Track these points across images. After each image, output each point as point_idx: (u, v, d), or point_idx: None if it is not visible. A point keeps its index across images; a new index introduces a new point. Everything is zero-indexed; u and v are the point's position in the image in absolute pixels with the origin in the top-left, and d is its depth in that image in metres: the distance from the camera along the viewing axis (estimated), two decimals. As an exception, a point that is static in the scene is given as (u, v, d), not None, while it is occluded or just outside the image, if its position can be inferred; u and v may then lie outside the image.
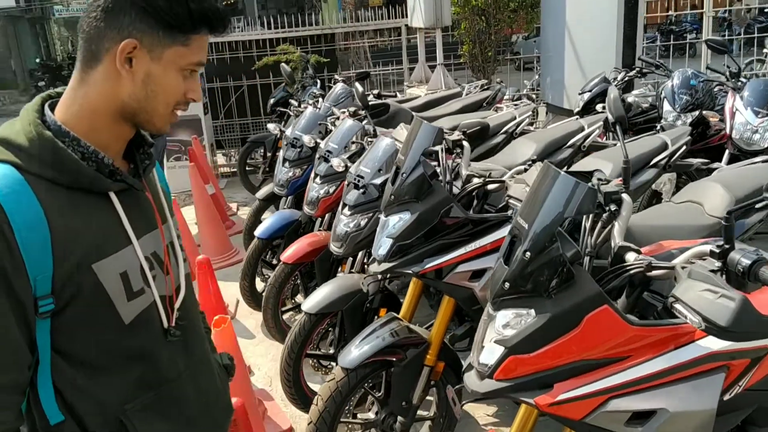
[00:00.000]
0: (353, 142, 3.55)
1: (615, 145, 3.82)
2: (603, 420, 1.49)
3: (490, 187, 2.43)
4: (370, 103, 4.15)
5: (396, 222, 2.39)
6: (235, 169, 7.96)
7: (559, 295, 1.51)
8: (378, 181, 2.89)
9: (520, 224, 1.59)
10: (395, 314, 2.59)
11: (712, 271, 1.40)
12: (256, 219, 4.75)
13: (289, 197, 4.29)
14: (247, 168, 7.26)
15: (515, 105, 5.16)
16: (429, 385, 2.52)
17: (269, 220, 4.12)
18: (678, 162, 3.31)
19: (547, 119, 7.23)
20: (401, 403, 2.47)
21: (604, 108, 5.08)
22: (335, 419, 2.41)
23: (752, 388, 1.60)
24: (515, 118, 4.52)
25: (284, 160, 4.17)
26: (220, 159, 8.72)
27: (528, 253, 1.54)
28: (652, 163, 3.24)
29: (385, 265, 2.41)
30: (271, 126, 4.73)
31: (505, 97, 8.66)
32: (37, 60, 26.25)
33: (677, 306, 1.33)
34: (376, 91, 5.69)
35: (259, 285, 4.21)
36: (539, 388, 1.53)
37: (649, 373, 1.48)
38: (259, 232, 4.07)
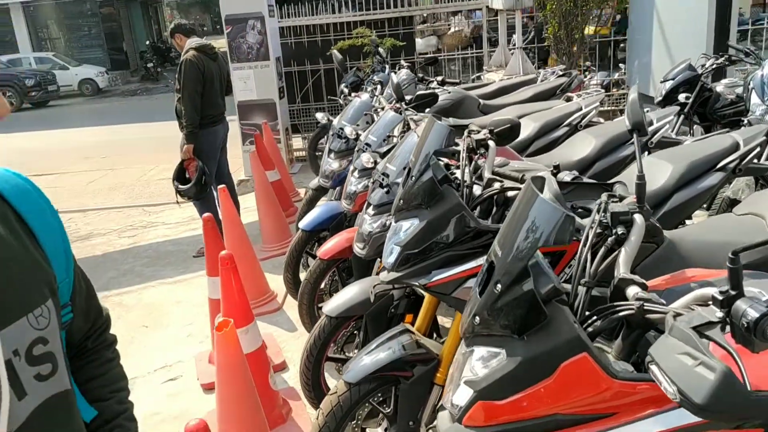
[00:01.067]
0: (390, 136, 3.38)
1: (688, 141, 3.45)
2: None
3: (510, 193, 2.20)
4: (424, 91, 3.96)
5: (405, 228, 2.22)
6: (310, 154, 7.98)
7: (532, 337, 1.30)
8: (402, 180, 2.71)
9: (496, 251, 1.38)
10: (408, 326, 2.42)
11: (714, 322, 1.15)
12: (308, 208, 4.69)
13: (336, 189, 4.18)
14: (317, 153, 7.24)
15: (588, 94, 4.78)
16: (438, 404, 2.35)
17: (314, 212, 4.04)
18: (752, 165, 2.91)
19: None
20: (408, 422, 2.31)
21: (687, 98, 4.63)
22: (336, 435, 2.29)
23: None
24: (581, 109, 4.19)
25: (330, 150, 4.06)
26: (298, 143, 8.76)
27: (499, 286, 1.34)
28: (719, 166, 2.86)
29: (393, 275, 2.25)
30: (319, 115, 4.64)
31: (593, 82, 8.18)
32: (147, 42, 27.54)
33: (652, 368, 1.09)
34: (440, 78, 5.46)
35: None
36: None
37: (638, 436, 1.25)
38: (303, 223, 3.99)
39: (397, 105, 3.65)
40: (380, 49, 7.04)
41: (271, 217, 5.39)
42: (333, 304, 2.81)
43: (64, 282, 1.07)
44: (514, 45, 7.44)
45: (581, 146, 3.58)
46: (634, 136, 1.66)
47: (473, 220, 2.13)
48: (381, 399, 2.42)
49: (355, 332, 3.06)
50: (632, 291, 1.38)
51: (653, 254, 2.27)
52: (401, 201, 2.23)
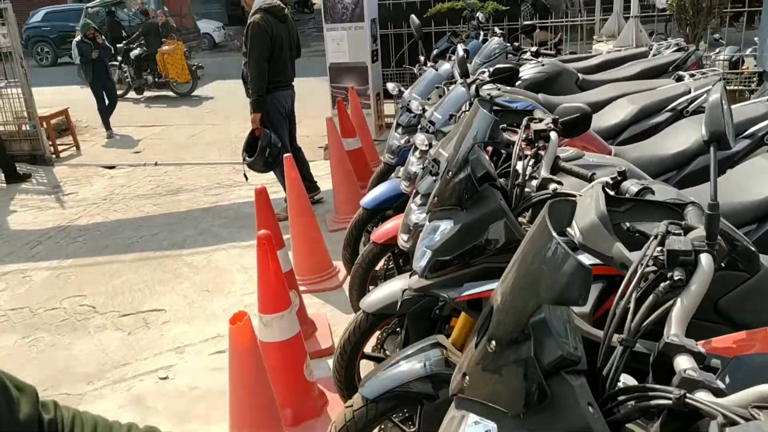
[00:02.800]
0: (453, 115, 3.03)
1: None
2: None
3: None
4: (507, 65, 3.56)
5: (438, 230, 1.91)
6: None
7: (530, 418, 1.00)
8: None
9: (497, 296, 1.07)
10: (442, 339, 2.12)
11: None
12: (378, 183, 4.43)
13: (399, 166, 3.90)
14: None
15: (703, 74, 4.17)
16: None
17: (377, 190, 3.78)
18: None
19: (762, 89, 5.90)
20: (431, 448, 2.05)
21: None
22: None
23: None
24: (690, 92, 3.64)
25: (397, 125, 3.77)
26: (389, 109, 8.49)
27: (493, 344, 1.03)
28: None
29: (422, 282, 1.96)
30: (390, 85, 4.32)
31: (720, 58, 7.32)
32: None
33: None
34: (534, 48, 4.97)
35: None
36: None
37: None
38: (364, 200, 3.75)
39: (467, 81, 3.28)
40: (479, 14, 6.57)
41: (345, 188, 5.20)
42: (371, 299, 2.56)
43: None
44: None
45: (681, 137, 3.09)
46: (711, 149, 1.26)
47: (515, 228, 1.78)
48: (406, 416, 2.17)
49: (398, 329, 2.80)
50: (681, 364, 1.02)
51: (743, 285, 1.85)
52: (435, 198, 1.92)
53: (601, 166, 2.30)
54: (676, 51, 5.07)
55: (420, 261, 1.97)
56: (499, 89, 3.73)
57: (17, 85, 8.54)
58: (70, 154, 9.06)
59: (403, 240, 2.61)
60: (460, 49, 3.31)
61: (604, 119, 3.71)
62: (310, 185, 5.77)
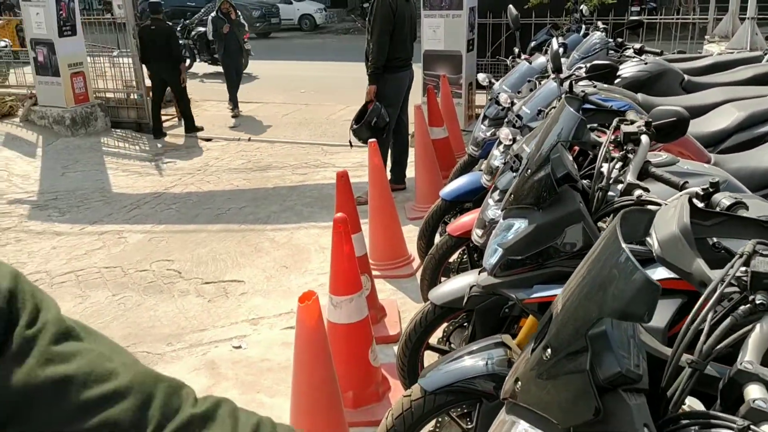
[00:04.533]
0: (542, 110, 2.94)
1: None
2: None
3: (651, 207, 1.73)
4: (605, 62, 3.42)
5: (512, 228, 1.87)
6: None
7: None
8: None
9: (557, 304, 1.03)
10: (507, 338, 2.08)
11: None
12: (460, 175, 4.39)
13: (483, 159, 3.83)
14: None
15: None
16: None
17: (458, 181, 3.74)
18: None
19: None
20: (487, 447, 2.01)
21: None
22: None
23: None
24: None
25: (484, 116, 3.70)
26: (481, 99, 8.36)
27: (548, 352, 0.99)
28: None
29: (491, 281, 1.92)
30: (481, 76, 4.24)
31: None
32: None
33: None
34: (638, 45, 4.75)
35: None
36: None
37: None
38: (444, 191, 3.73)
39: (561, 76, 3.16)
40: (583, 6, 6.34)
41: (427, 177, 5.18)
42: (440, 291, 2.55)
43: None
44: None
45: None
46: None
47: (593, 234, 1.71)
48: (464, 412, 2.15)
49: (465, 324, 2.77)
50: (751, 393, 0.95)
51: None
52: (512, 195, 1.87)
53: (695, 175, 2.18)
54: (795, 56, 4.72)
55: (490, 258, 1.94)
56: (595, 86, 3.59)
57: (128, 55, 9.01)
58: (172, 124, 9.48)
59: (477, 235, 2.57)
60: (555, 42, 3.20)
61: (707, 125, 3.50)
62: (398, 177, 5.84)
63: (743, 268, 1.13)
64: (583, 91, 3.16)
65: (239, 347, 3.57)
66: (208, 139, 8.72)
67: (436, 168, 5.22)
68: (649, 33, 6.96)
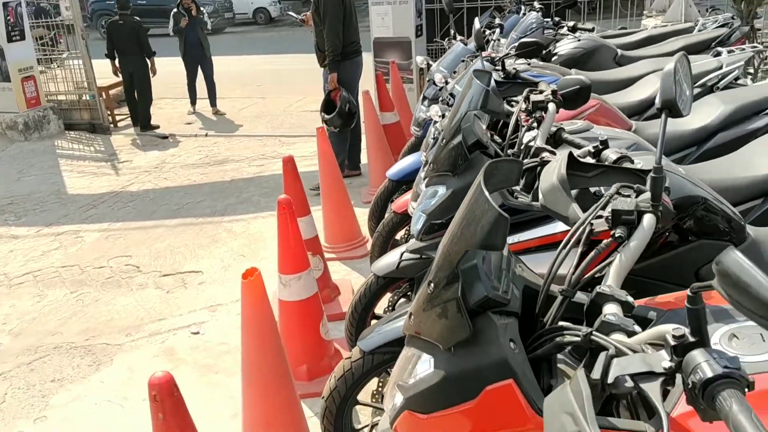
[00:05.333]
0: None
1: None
2: None
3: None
4: (531, 39, 3.58)
5: (435, 195, 2.01)
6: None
7: (459, 351, 1.10)
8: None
9: (440, 245, 1.17)
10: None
11: (656, 373, 0.88)
12: (409, 155, 4.52)
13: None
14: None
15: (742, 50, 4.08)
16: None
17: (403, 161, 3.88)
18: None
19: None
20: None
21: None
22: (346, 401, 2.20)
23: None
24: (721, 68, 3.59)
25: (423, 97, 3.84)
26: (434, 84, 8.50)
27: (431, 286, 1.14)
28: None
29: (417, 245, 2.06)
30: (419, 58, 4.38)
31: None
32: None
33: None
34: (571, 23, 4.94)
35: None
36: None
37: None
38: (390, 172, 3.86)
39: (492, 55, 3.32)
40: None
41: (380, 161, 5.31)
42: (381, 263, 2.68)
43: None
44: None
45: (704, 112, 3.07)
46: (663, 116, 1.32)
47: (502, 195, 1.87)
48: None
49: (409, 293, 2.92)
50: (607, 310, 1.11)
51: (728, 255, 1.88)
52: (432, 164, 2.02)
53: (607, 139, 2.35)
54: (720, 27, 4.95)
55: (416, 225, 2.08)
56: (529, 64, 3.76)
57: (78, 56, 8.95)
58: (127, 123, 9.44)
59: (412, 207, 2.71)
60: (477, 21, 3.35)
61: (632, 95, 3.69)
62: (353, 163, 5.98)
63: (608, 208, 1.28)
64: (514, 68, 3.32)
65: (197, 333, 3.67)
66: (165, 137, 8.72)
67: (388, 152, 5.36)
68: (597, 12, 7.18)
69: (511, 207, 1.90)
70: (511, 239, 1.87)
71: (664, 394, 1.05)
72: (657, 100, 1.35)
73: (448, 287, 1.09)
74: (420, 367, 1.18)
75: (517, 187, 2.03)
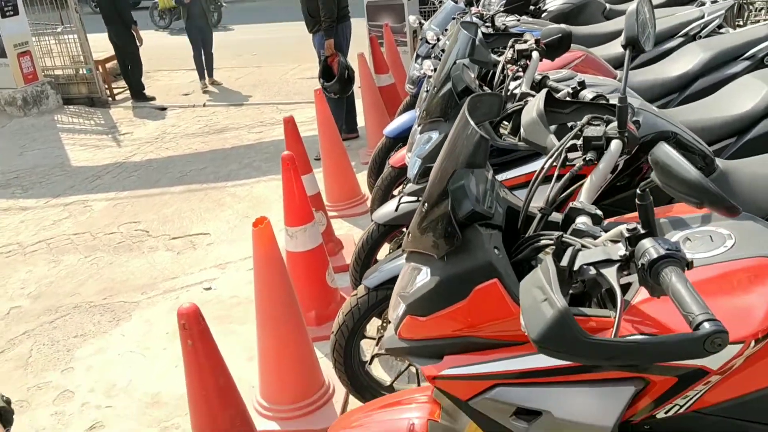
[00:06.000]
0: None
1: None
2: (488, 407, 1.27)
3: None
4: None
5: (427, 141, 2.17)
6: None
7: (451, 258, 1.27)
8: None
9: (433, 170, 1.34)
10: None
11: (613, 260, 1.06)
12: (405, 113, 4.67)
13: (421, 96, 4.11)
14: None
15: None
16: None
17: (400, 119, 4.03)
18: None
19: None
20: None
21: None
22: (353, 334, 2.39)
23: (704, 412, 1.21)
24: (703, 17, 3.71)
25: (417, 56, 3.97)
26: (427, 46, 8.58)
27: (426, 205, 1.31)
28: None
29: (413, 188, 2.23)
30: (411, 18, 4.49)
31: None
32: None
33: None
34: (560, -21, 5.03)
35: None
36: (431, 356, 1.34)
37: (543, 367, 1.19)
38: (387, 129, 4.01)
39: (481, 11, 3.45)
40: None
41: (376, 122, 5.44)
42: (381, 212, 2.86)
43: None
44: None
45: (686, 60, 3.22)
46: (627, 52, 1.47)
47: (490, 135, 2.03)
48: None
49: (408, 240, 3.09)
50: (580, 220, 1.29)
51: (697, 185, 2.06)
52: (424, 112, 2.17)
53: (588, 85, 2.50)
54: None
55: (413, 169, 2.24)
56: (518, 20, 3.89)
57: (73, 30, 8.99)
58: (126, 96, 9.53)
59: (408, 157, 2.87)
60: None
61: (618, 47, 3.82)
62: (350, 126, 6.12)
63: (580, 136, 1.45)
64: (504, 24, 3.45)
65: (209, 288, 3.87)
66: (163, 108, 8.82)
67: (384, 113, 5.49)
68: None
69: (499, 147, 2.07)
70: (501, 176, 2.04)
71: (625, 288, 1.24)
72: (621, 38, 1.50)
73: (440, 204, 1.26)
74: (418, 278, 1.35)
75: (505, 131, 2.20)
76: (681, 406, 1.19)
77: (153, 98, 9.12)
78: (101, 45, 9.13)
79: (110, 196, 5.79)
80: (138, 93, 9.09)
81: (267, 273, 2.52)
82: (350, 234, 4.28)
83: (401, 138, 3.97)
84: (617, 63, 3.74)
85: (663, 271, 0.98)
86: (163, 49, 12.71)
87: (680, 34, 3.69)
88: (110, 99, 9.36)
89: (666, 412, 1.20)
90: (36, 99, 8.69)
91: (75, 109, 9.01)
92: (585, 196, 1.36)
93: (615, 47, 3.84)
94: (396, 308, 1.43)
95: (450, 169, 1.24)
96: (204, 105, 8.75)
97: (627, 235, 1.06)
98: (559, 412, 1.18)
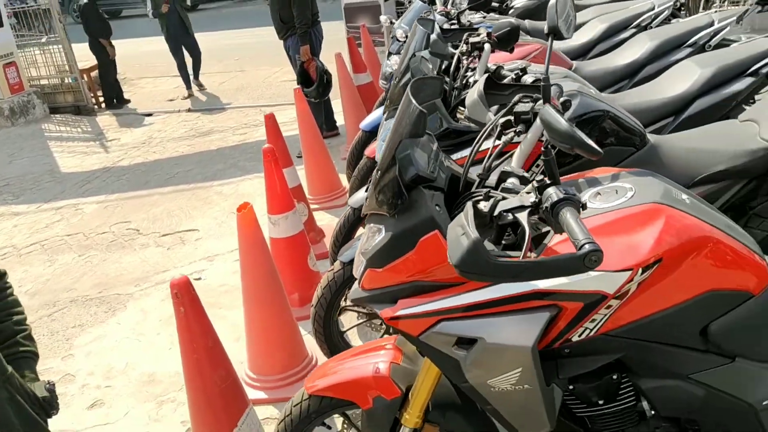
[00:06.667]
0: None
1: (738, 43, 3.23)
2: (434, 340, 1.50)
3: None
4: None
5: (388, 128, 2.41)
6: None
7: (401, 216, 1.51)
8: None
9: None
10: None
11: (525, 206, 1.30)
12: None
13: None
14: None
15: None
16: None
17: (375, 113, 4.26)
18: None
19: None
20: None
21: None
22: (331, 306, 2.62)
23: (612, 334, 1.45)
24: (654, 8, 3.98)
25: (389, 53, 4.21)
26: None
27: (379, 172, 1.55)
28: (750, 70, 2.72)
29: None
30: (382, 18, 4.74)
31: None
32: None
33: (449, 236, 1.28)
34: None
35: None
36: (388, 301, 1.57)
37: (477, 301, 1.43)
38: (363, 123, 4.24)
39: (446, 10, 3.70)
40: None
41: (355, 119, 5.66)
42: (356, 197, 3.09)
43: None
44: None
45: (634, 49, 3.48)
46: (549, 39, 1.71)
47: (445, 118, 2.27)
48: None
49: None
50: (509, 181, 1.53)
51: (630, 157, 2.32)
52: (388, 101, 2.41)
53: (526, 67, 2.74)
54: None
55: (380, 153, 2.48)
56: (484, 17, 4.14)
57: (57, 40, 9.17)
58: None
59: (378, 149, 3.11)
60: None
61: (576, 39, 4.08)
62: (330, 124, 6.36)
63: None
64: (468, 21, 3.70)
65: (199, 279, 4.09)
66: (149, 114, 9.01)
67: (363, 110, 5.72)
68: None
69: (455, 129, 2.31)
70: (457, 155, 2.29)
71: (544, 235, 1.48)
72: (545, 27, 1.74)
73: (390, 170, 1.49)
74: (376, 236, 1.59)
75: (461, 116, 2.45)
76: (591, 330, 1.43)
77: (128, 101, 9.35)
78: (87, 55, 9.31)
79: (100, 199, 5.98)
80: (108, 100, 9.30)
81: (251, 254, 2.75)
82: (331, 225, 4.51)
83: (376, 131, 4.21)
84: (575, 54, 4.00)
85: (561, 211, 1.22)
86: (145, 57, 12.91)
87: (633, 25, 3.95)
88: (96, 107, 9.54)
89: (579, 336, 1.44)
90: (23, 109, 8.86)
91: (62, 117, 9.19)
92: (515, 161, 1.61)
93: (573, 40, 4.09)
94: (359, 266, 1.66)
95: (397, 140, 1.47)
96: (188, 110, 8.95)
97: (536, 185, 1.30)
98: (490, 338, 1.42)
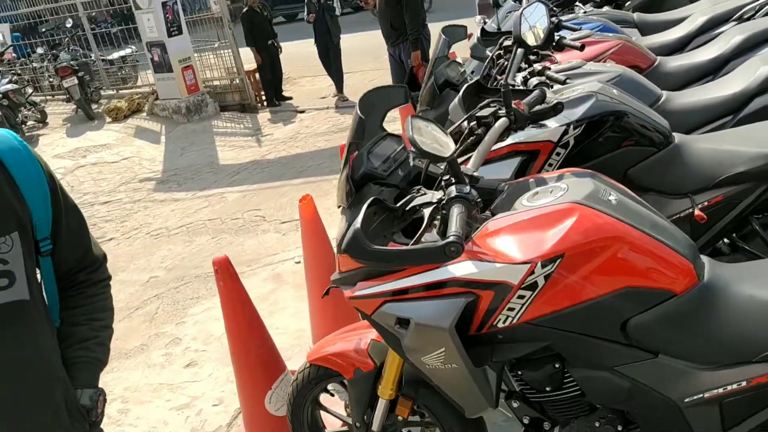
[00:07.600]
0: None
1: None
2: (382, 319, 1.70)
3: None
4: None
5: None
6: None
7: (353, 209, 1.72)
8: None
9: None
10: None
11: (432, 202, 1.46)
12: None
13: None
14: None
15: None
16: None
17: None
18: None
19: None
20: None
21: None
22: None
23: (534, 323, 1.53)
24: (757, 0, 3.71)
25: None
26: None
27: (342, 173, 1.77)
28: None
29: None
30: (477, 18, 4.80)
31: None
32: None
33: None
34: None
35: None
36: (353, 283, 1.79)
37: (410, 285, 1.60)
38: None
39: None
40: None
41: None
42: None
43: (42, 220, 1.28)
44: None
45: (721, 43, 3.30)
46: (514, 48, 1.80)
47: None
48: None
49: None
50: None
51: (653, 156, 2.30)
52: (419, 103, 2.60)
53: (591, 74, 2.75)
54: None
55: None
56: (585, 12, 4.13)
57: (227, 45, 10.24)
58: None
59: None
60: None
61: (673, 33, 3.91)
62: None
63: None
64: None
65: (299, 262, 4.51)
66: (302, 111, 9.77)
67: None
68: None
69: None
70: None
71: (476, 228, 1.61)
72: (512, 36, 1.84)
73: (344, 169, 1.71)
74: (343, 226, 1.81)
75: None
76: (512, 318, 1.54)
77: (288, 98, 10.16)
78: (250, 58, 10.30)
79: (242, 189, 6.71)
80: (269, 100, 10.17)
81: (312, 240, 3.07)
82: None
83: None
84: (671, 48, 3.84)
85: (453, 206, 1.37)
86: (304, 58, 13.88)
87: (734, 18, 3.68)
88: (259, 105, 10.51)
89: (504, 323, 1.56)
90: (197, 107, 10.02)
91: (229, 114, 10.25)
92: (472, 162, 1.74)
93: (669, 35, 3.91)
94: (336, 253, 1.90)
95: (347, 143, 1.69)
96: (336, 107, 9.56)
97: (443, 184, 1.46)
98: (418, 319, 1.59)
